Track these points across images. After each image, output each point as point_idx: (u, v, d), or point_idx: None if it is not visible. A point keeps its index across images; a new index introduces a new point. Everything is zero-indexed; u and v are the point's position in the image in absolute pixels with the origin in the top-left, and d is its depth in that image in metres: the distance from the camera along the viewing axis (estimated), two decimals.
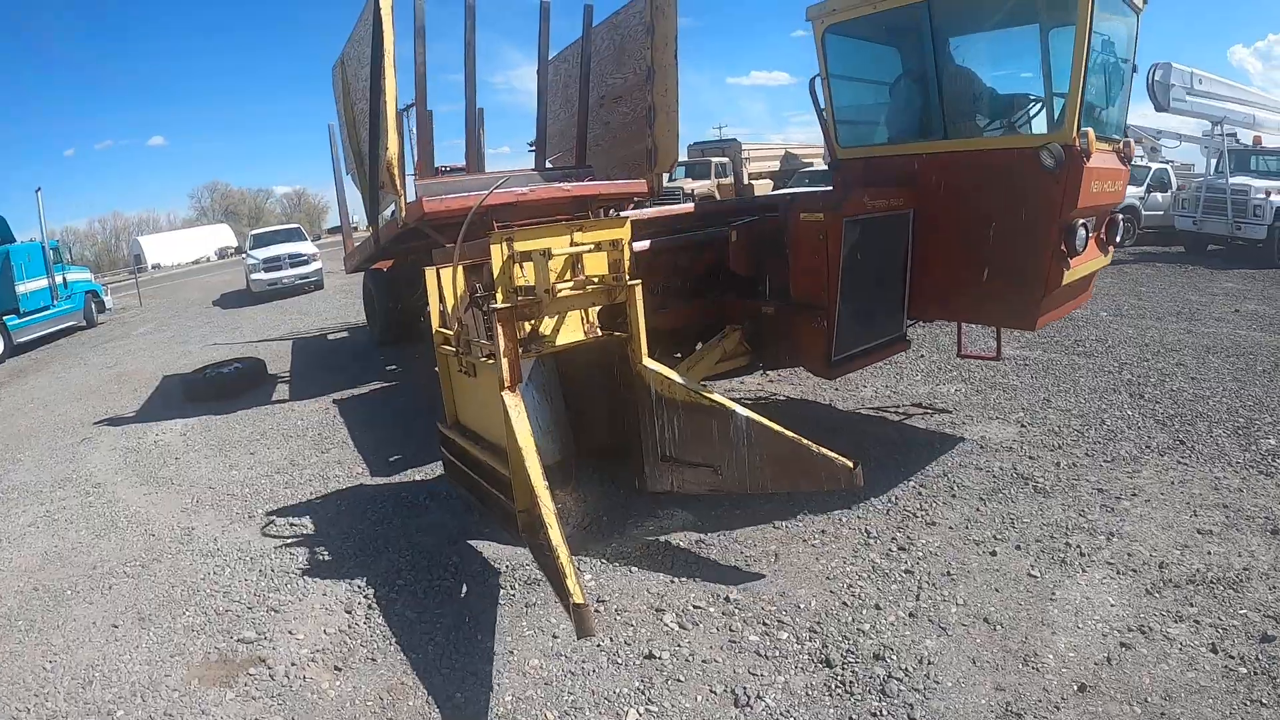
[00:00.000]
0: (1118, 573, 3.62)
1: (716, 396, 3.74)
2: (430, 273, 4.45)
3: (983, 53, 4.68)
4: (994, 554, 3.88)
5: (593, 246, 3.73)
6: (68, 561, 4.81)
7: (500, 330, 3.42)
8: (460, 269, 4.12)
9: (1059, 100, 4.35)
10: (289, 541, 4.72)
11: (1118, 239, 4.85)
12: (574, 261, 3.70)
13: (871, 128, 5.17)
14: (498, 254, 3.70)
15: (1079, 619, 3.31)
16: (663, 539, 4.24)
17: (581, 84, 9.28)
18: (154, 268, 40.68)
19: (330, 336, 12.51)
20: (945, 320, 5.71)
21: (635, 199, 8.95)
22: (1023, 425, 5.73)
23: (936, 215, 4.67)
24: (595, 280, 3.78)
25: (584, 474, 4.84)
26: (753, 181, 27.91)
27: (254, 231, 23.51)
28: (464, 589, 3.97)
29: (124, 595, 4.27)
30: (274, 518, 5.12)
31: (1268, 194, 13.64)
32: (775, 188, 27.08)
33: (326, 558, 4.43)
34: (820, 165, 27.67)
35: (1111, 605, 3.37)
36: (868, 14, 4.65)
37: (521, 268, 3.77)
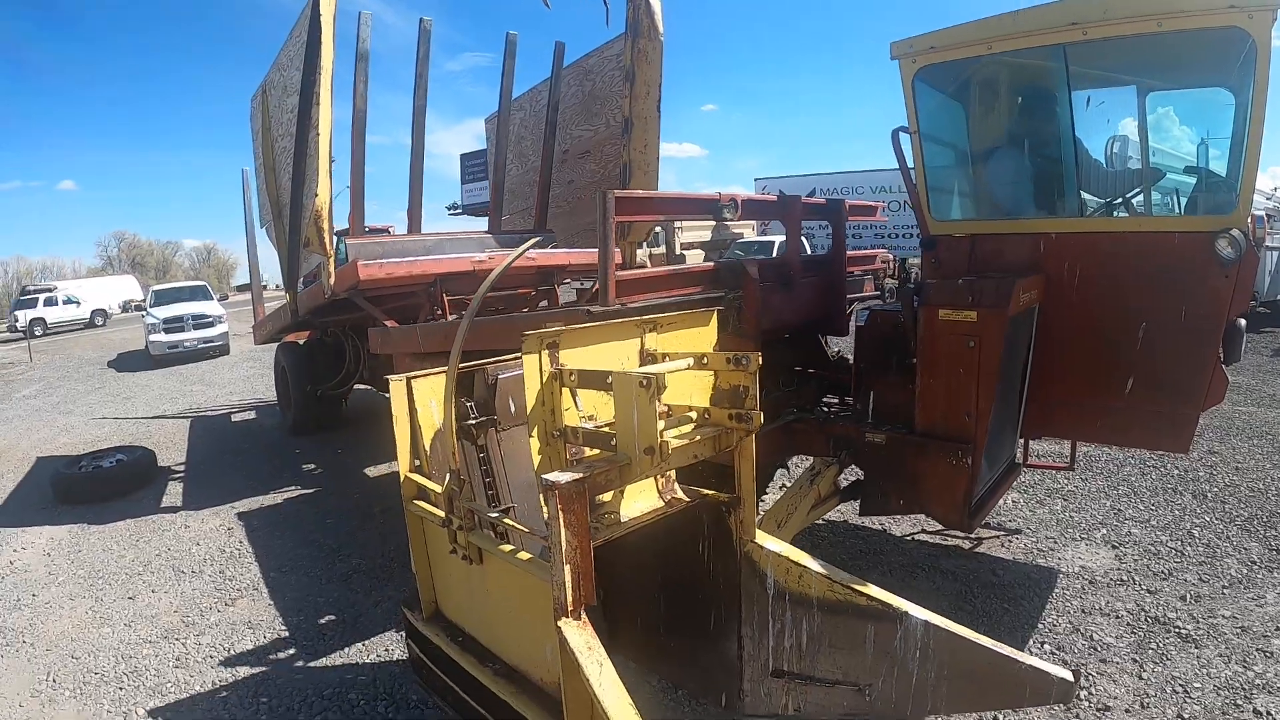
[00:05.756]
0: None
1: (875, 591, 2.47)
2: (397, 387, 2.85)
3: (1131, 111, 3.75)
4: None
5: (690, 363, 2.43)
6: None
7: (561, 519, 2.02)
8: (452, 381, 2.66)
9: (1219, 174, 3.51)
10: None
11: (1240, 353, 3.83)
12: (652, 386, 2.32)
13: (976, 197, 4.14)
14: (533, 369, 2.35)
15: None
16: None
17: (546, 134, 8.09)
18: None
19: (235, 417, 10.57)
20: (1064, 439, 4.70)
21: None
22: (1114, 546, 4.94)
23: (1066, 310, 3.68)
24: (692, 417, 2.46)
25: (622, 673, 3.45)
26: (684, 251, 27.09)
27: (155, 287, 20.18)
28: None
29: None
30: None
31: None
32: (705, 258, 26.32)
33: None
34: (751, 235, 27.16)
35: None
36: (978, 55, 3.67)
37: (575, 397, 2.45)
